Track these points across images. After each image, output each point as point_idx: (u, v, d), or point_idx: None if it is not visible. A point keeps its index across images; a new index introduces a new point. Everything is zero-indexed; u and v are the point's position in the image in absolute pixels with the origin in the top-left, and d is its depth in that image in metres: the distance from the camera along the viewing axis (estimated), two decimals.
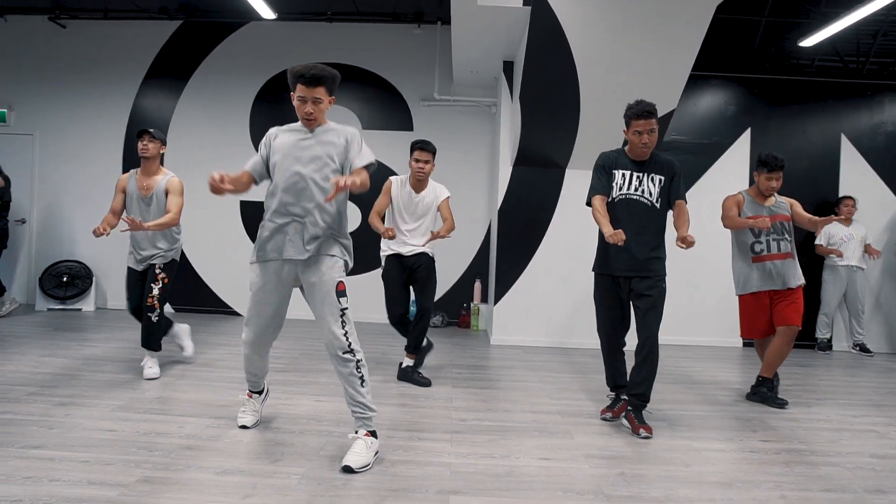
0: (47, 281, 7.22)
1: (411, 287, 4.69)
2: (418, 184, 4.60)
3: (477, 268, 7.43)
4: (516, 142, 6.06)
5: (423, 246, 4.55)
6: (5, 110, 7.57)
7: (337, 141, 3.04)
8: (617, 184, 3.70)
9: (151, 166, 4.43)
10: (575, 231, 6.24)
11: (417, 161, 4.53)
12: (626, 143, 3.79)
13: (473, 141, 7.38)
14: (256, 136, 7.37)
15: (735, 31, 6.70)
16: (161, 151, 4.46)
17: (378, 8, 7.12)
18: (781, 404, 4.23)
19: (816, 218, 4.28)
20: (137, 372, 4.45)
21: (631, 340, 3.73)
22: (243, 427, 3.34)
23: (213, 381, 4.32)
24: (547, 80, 5.39)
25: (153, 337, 4.42)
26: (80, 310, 7.23)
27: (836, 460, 3.22)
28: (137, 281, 4.47)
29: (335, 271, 2.96)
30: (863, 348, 6.59)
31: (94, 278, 7.35)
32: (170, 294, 4.57)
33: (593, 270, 3.88)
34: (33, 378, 4.20)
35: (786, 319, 4.28)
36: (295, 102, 2.98)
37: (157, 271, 4.41)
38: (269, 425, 3.41)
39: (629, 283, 3.68)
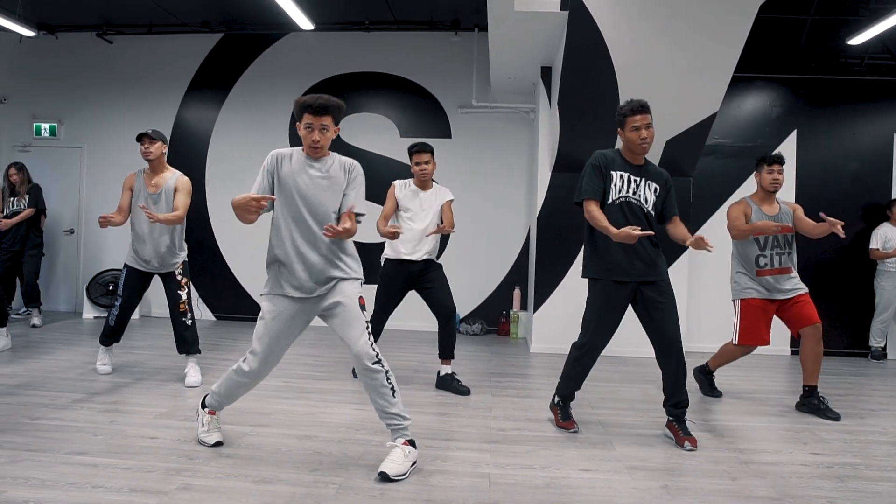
0: (94, 289, 7.41)
1: (423, 295, 4.65)
2: (422, 185, 4.65)
3: (516, 275, 7.36)
4: (555, 148, 6.00)
5: (428, 236, 4.52)
6: (56, 124, 7.81)
7: (338, 174, 3.05)
8: (615, 185, 3.51)
9: (158, 166, 4.47)
10: None
11: (418, 164, 4.58)
12: (618, 147, 3.67)
13: (511, 147, 7.33)
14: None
15: (780, 31, 6.52)
16: (163, 151, 4.48)
17: (415, 16, 7.14)
18: (835, 417, 4.07)
19: (821, 224, 4.11)
20: (179, 379, 4.51)
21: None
22: (218, 444, 3.17)
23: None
24: (585, 85, 5.32)
25: (187, 342, 4.50)
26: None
27: (893, 476, 3.08)
28: (136, 279, 4.50)
29: (355, 288, 3.01)
30: None
31: None
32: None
33: (589, 276, 3.66)
34: (79, 385, 4.29)
35: (805, 320, 4.18)
36: (301, 132, 2.97)
37: (179, 277, 4.49)
38: (308, 434, 3.41)
39: (638, 290, 3.54)
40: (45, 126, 7.81)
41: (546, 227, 6.27)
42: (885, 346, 6.44)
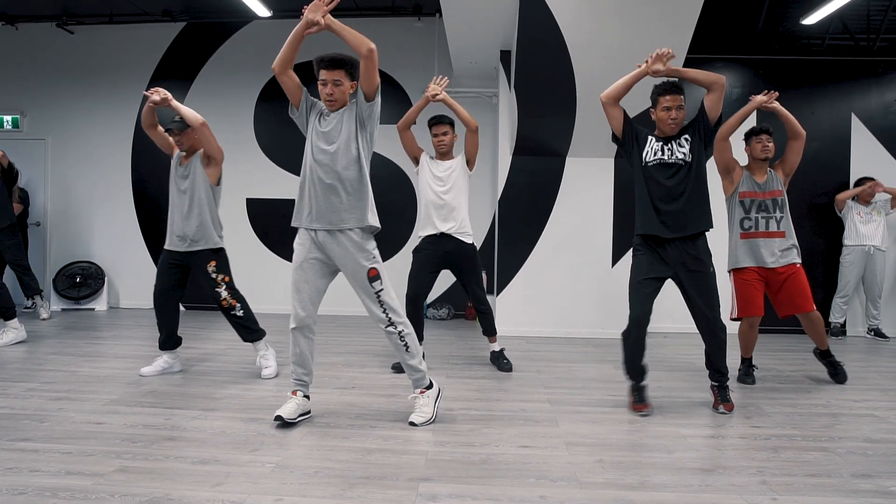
0: (61, 282, 7.37)
1: (460, 280, 4.76)
2: (442, 157, 4.70)
3: (482, 259, 7.37)
4: (514, 131, 6.03)
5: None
6: (18, 116, 7.74)
7: (350, 110, 3.28)
8: (651, 148, 3.64)
9: (190, 151, 4.39)
10: (576, 219, 6.20)
11: (436, 136, 4.63)
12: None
13: None
14: (260, 134, 7.44)
15: (739, 12, 6.56)
16: (195, 137, 4.33)
17: (377, 2, 7.12)
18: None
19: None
20: (135, 366, 4.51)
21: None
22: (278, 418, 3.22)
23: (211, 375, 4.37)
24: (541, 68, 5.34)
25: (248, 329, 4.40)
26: (93, 309, 7.37)
27: (827, 445, 3.14)
28: (168, 264, 4.33)
29: (361, 268, 3.24)
30: (878, 333, 6.43)
31: (105, 278, 7.48)
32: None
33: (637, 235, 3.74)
34: (36, 375, 4.29)
35: (798, 308, 4.27)
36: (319, 88, 3.18)
37: (213, 275, 4.28)
38: (256, 417, 3.43)
39: (676, 254, 3.61)
40: (7, 118, 7.75)
41: (508, 210, 6.30)
42: (844, 322, 6.54)
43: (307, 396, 3.37)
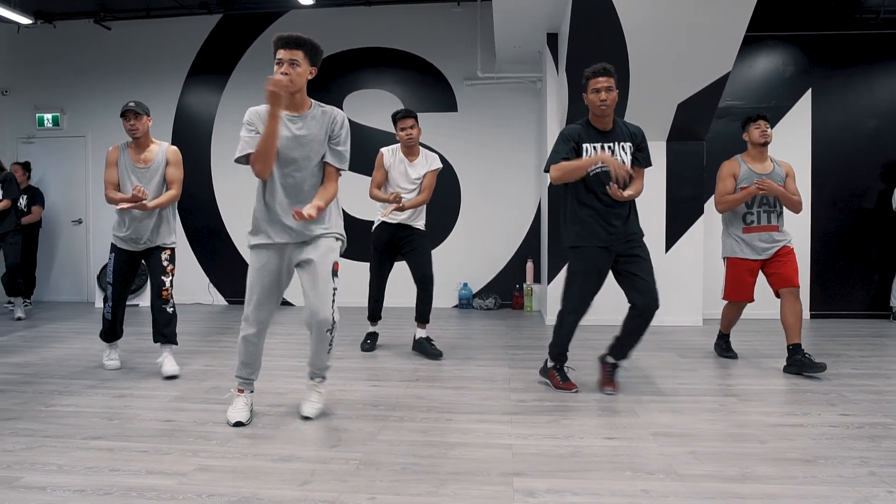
0: (104, 278, 7.36)
1: (406, 260, 4.78)
2: (409, 151, 4.63)
3: (528, 248, 7.27)
4: (564, 116, 5.88)
5: (400, 209, 4.53)
6: (58, 114, 7.74)
7: (317, 128, 3.06)
8: (589, 157, 3.55)
9: (144, 140, 4.15)
10: None
11: (403, 129, 4.57)
12: (586, 117, 3.69)
13: (519, 118, 7.20)
14: None
15: None
16: (150, 123, 4.16)
17: None
18: (820, 368, 3.97)
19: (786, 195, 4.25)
20: (188, 362, 4.47)
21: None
22: (238, 423, 3.12)
23: (268, 370, 4.30)
24: (594, 50, 5.17)
25: (172, 327, 4.22)
26: (137, 305, 7.36)
27: None
28: (126, 264, 4.21)
29: (332, 252, 3.10)
30: None
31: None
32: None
33: (568, 245, 3.75)
34: (93, 373, 4.25)
35: (785, 280, 4.19)
36: (274, 69, 2.94)
37: (165, 263, 4.17)
38: (325, 412, 3.35)
39: (614, 254, 3.63)
40: (47, 116, 7.76)
41: (557, 196, 6.15)
42: None
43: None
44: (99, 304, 7.39)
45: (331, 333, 3.09)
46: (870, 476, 2.50)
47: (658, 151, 6.04)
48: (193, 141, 7.39)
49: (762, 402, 3.51)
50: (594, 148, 3.57)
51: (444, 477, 2.49)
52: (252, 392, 3.31)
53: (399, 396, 3.64)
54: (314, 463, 2.65)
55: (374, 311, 4.90)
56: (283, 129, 2.99)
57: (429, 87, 7.29)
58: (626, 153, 3.60)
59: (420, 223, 4.72)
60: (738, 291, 4.39)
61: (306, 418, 3.20)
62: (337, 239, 3.16)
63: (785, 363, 4.20)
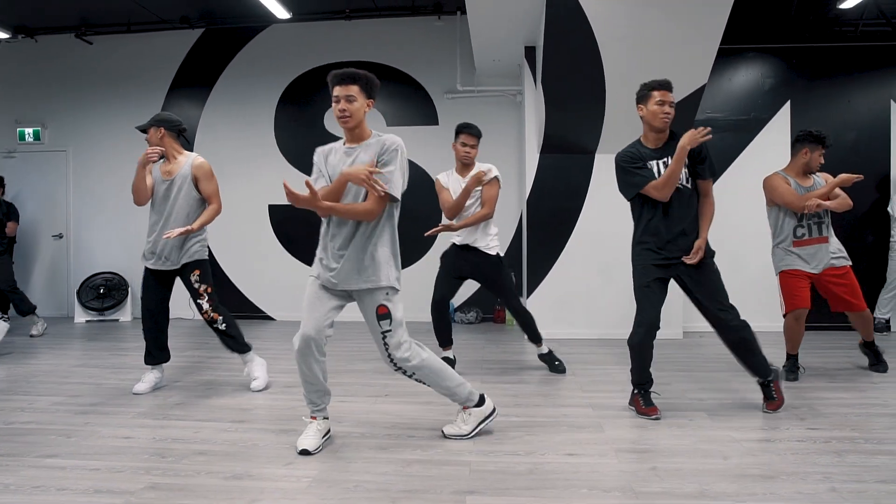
0: (84, 293, 7.32)
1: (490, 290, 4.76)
2: (464, 169, 4.50)
3: (510, 261, 7.19)
4: (542, 129, 5.87)
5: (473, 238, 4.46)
6: (39, 128, 7.72)
7: (371, 155, 2.92)
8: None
9: (168, 153, 4.07)
10: (608, 217, 6.00)
11: (464, 145, 4.41)
12: (638, 140, 3.64)
13: (500, 131, 7.17)
14: (281, 139, 7.32)
15: (770, 1, 6.36)
16: (161, 135, 4.04)
17: (396, 2, 7.00)
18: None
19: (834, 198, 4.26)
20: (165, 379, 4.41)
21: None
22: (304, 452, 2.94)
23: (237, 385, 4.25)
24: (569, 63, 5.18)
25: (235, 340, 4.13)
26: (117, 320, 7.31)
27: (894, 448, 2.95)
28: (151, 280, 4.09)
29: (376, 298, 2.96)
30: None
31: (129, 289, 7.43)
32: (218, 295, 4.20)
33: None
34: (61, 388, 4.20)
35: (849, 307, 4.28)
36: (333, 106, 2.92)
37: (196, 284, 4.03)
38: (287, 428, 3.30)
39: (678, 269, 3.51)
40: (28, 131, 7.73)
41: (536, 210, 6.14)
42: (889, 318, 6.29)
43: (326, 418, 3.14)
44: (79, 318, 7.34)
45: (405, 375, 3.04)
46: (830, 492, 2.46)
47: None
48: None
49: (732, 418, 3.46)
50: (656, 165, 3.49)
51: (394, 495, 2.45)
52: (326, 419, 3.11)
53: (365, 412, 3.59)
54: (266, 481, 2.60)
55: (438, 333, 4.58)
56: (338, 162, 2.98)
57: (409, 101, 7.28)
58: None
59: (487, 245, 4.47)
60: (796, 299, 4.24)
61: (442, 433, 3.15)
62: (386, 292, 2.96)
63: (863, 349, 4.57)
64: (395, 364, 2.97)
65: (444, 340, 4.60)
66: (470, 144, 4.41)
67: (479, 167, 4.49)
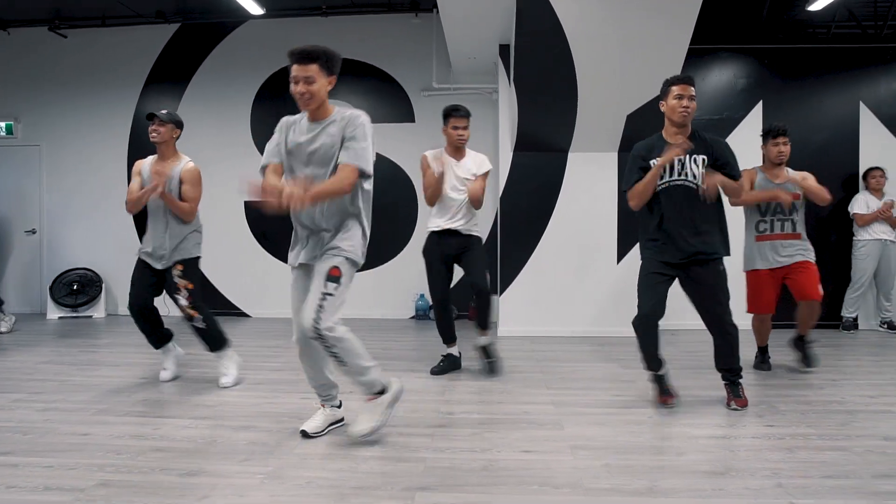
0: (57, 290, 7.27)
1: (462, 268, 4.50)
2: (457, 152, 4.41)
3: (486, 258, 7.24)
4: (515, 127, 5.89)
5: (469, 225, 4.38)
6: (11, 122, 7.64)
7: (335, 133, 2.88)
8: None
9: (165, 151, 4.12)
10: (580, 216, 6.05)
11: (456, 128, 4.32)
12: (659, 134, 3.63)
13: (476, 129, 7.01)
14: (258, 134, 7.30)
15: (743, 1, 6.41)
16: (174, 135, 4.12)
17: None
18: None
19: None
20: (129, 374, 4.40)
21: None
22: (303, 433, 3.06)
23: (205, 382, 4.24)
24: (540, 61, 5.21)
25: (212, 338, 4.15)
26: (90, 317, 7.27)
27: (845, 444, 3.00)
28: (148, 276, 4.12)
29: (335, 261, 2.90)
30: (891, 325, 6.26)
31: (103, 285, 7.38)
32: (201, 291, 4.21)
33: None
34: (25, 385, 4.17)
35: (803, 295, 4.27)
36: (291, 87, 2.85)
37: (176, 279, 4.05)
38: (247, 425, 3.30)
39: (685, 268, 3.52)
40: (1, 125, 7.64)
41: (509, 207, 6.17)
42: (857, 316, 6.37)
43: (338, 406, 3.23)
44: (51, 315, 7.28)
45: (322, 344, 2.83)
46: (776, 488, 2.49)
47: (609, 162, 6.07)
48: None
49: (692, 414, 3.50)
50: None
51: (345, 491, 2.45)
52: (338, 407, 3.22)
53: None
54: (219, 477, 2.60)
55: (442, 330, 4.56)
56: (299, 139, 2.92)
57: (386, 98, 7.28)
58: (697, 166, 3.46)
59: (473, 228, 4.43)
60: (756, 303, 4.38)
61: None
62: (346, 257, 2.91)
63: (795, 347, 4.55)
64: (318, 331, 2.76)
65: (449, 337, 4.57)
66: (462, 126, 4.33)
67: (472, 157, 4.46)
